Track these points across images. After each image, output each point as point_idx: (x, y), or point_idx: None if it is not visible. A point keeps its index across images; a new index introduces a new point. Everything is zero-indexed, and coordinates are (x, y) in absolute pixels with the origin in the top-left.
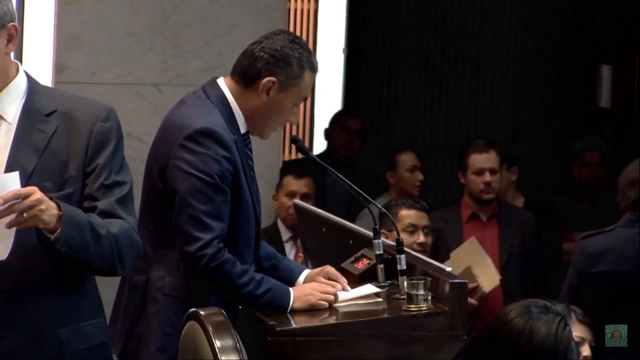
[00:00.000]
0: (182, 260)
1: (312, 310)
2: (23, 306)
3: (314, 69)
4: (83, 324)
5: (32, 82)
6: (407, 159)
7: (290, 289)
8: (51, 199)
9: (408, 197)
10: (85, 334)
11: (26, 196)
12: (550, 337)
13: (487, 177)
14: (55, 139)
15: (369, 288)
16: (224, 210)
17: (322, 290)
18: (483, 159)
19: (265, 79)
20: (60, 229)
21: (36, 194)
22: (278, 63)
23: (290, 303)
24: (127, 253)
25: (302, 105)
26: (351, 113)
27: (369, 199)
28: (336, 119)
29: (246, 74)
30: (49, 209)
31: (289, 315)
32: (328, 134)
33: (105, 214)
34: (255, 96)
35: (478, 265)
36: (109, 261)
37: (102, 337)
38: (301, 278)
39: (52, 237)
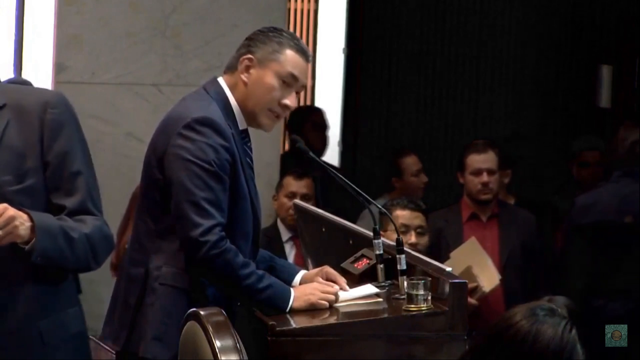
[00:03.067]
0: (184, 247)
1: (312, 310)
2: (1, 302)
3: (298, 48)
4: (61, 313)
5: None
6: (411, 163)
7: (291, 288)
8: (21, 209)
9: (404, 197)
10: (64, 323)
11: (1, 212)
12: (556, 340)
13: (485, 177)
14: (8, 132)
15: (369, 288)
16: (222, 198)
17: (322, 290)
18: (481, 159)
19: (242, 57)
20: (34, 241)
21: (8, 210)
22: (255, 43)
23: (291, 302)
24: (100, 250)
25: (300, 98)
26: (315, 108)
27: (369, 198)
28: (307, 117)
29: (230, 64)
30: (23, 223)
31: (288, 315)
32: (300, 132)
33: (76, 213)
34: (240, 80)
35: (478, 265)
36: (83, 262)
37: (80, 325)
38: (297, 279)
39: (27, 248)
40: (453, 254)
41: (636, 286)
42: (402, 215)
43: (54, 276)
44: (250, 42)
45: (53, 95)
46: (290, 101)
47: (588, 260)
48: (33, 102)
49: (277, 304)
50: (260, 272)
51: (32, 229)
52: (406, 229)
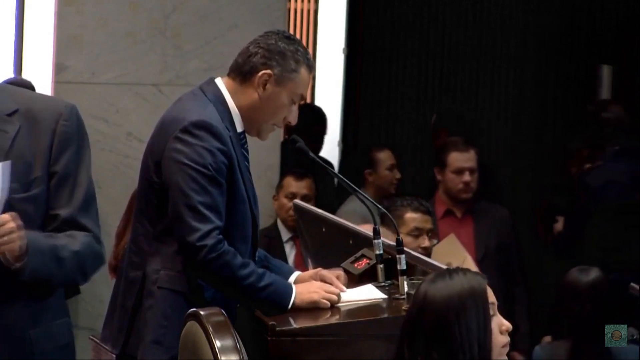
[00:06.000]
0: (182, 252)
1: (313, 309)
2: None
3: (310, 65)
4: (52, 323)
5: None
6: (385, 158)
7: (293, 285)
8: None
9: (413, 198)
10: (54, 333)
11: (3, 223)
12: (453, 286)
13: (467, 176)
14: (18, 139)
15: (371, 290)
16: (220, 202)
17: (326, 290)
18: (463, 158)
19: (261, 72)
20: (26, 259)
21: (17, 220)
22: (273, 56)
23: (292, 299)
24: (89, 267)
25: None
26: (317, 117)
27: (370, 199)
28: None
29: (242, 70)
30: (23, 238)
31: (289, 315)
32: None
33: (68, 223)
34: (252, 91)
35: (457, 262)
36: (70, 279)
37: (68, 336)
38: (291, 280)
39: (18, 266)
40: (433, 251)
41: None
42: (415, 218)
43: (44, 287)
44: (267, 54)
45: (66, 106)
46: (292, 118)
47: (609, 237)
48: (46, 111)
49: (279, 302)
50: (261, 270)
51: (26, 246)
52: (419, 232)
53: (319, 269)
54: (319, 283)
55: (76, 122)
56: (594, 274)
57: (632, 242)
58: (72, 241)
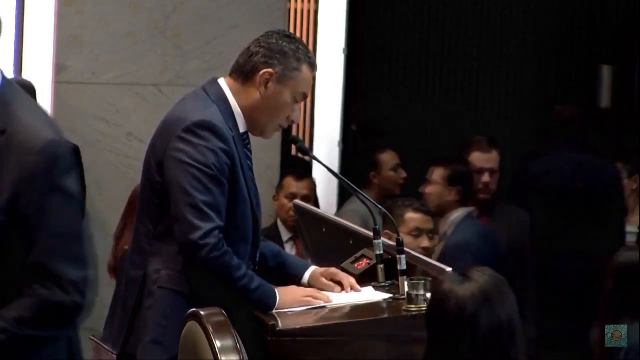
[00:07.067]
0: (183, 249)
1: (313, 308)
2: None
3: (311, 63)
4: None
5: (5, 93)
6: (389, 158)
7: (275, 288)
8: None
9: (414, 199)
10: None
11: None
12: (486, 277)
13: (487, 177)
14: None
15: (372, 292)
16: (221, 201)
17: (310, 295)
18: (485, 159)
19: (262, 71)
20: None
21: None
22: (274, 55)
23: (277, 300)
24: (45, 325)
25: (302, 105)
26: None
27: (371, 200)
28: None
29: (243, 70)
30: None
31: (289, 314)
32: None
33: (31, 271)
34: (254, 90)
35: None
36: (19, 350)
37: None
38: (307, 274)
39: None
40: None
41: (589, 247)
42: (415, 218)
43: None
44: (268, 53)
45: (45, 140)
46: (295, 117)
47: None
48: (24, 140)
49: (267, 302)
50: (250, 272)
51: None
52: (419, 232)
53: (331, 267)
54: (302, 291)
55: (48, 157)
56: (628, 254)
57: (570, 228)
58: (21, 319)
